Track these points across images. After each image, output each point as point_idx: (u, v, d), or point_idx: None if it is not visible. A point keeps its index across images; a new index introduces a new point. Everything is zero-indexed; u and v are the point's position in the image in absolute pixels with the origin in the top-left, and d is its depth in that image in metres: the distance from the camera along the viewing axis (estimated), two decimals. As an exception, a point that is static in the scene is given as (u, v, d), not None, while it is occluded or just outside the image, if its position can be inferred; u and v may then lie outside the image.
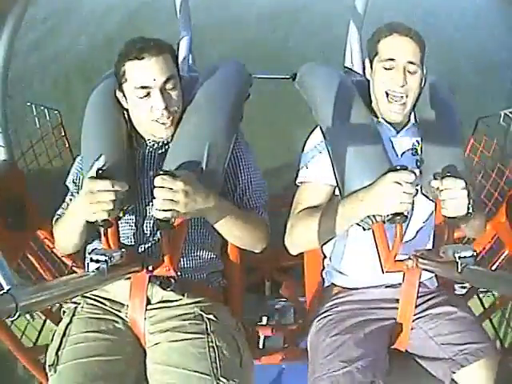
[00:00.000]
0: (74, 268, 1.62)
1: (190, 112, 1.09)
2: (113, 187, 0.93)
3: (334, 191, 1.16)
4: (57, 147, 1.79)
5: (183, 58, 1.74)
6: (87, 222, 0.99)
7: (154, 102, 1.03)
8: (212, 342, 1.03)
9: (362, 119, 1.12)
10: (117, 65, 1.05)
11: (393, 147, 1.15)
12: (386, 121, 1.16)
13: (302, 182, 1.17)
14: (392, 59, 1.08)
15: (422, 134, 1.16)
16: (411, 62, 1.08)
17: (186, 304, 1.11)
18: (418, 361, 1.14)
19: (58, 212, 1.18)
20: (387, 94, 1.11)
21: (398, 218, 0.98)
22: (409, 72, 1.08)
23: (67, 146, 1.85)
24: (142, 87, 1.02)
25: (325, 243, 1.15)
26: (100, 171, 0.98)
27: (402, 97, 1.10)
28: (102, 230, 1.01)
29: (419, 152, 1.15)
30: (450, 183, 1.01)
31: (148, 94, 1.02)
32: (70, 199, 1.17)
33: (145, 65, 1.01)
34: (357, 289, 1.22)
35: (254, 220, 1.12)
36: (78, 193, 1.14)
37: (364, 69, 1.21)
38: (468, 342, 1.05)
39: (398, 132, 1.16)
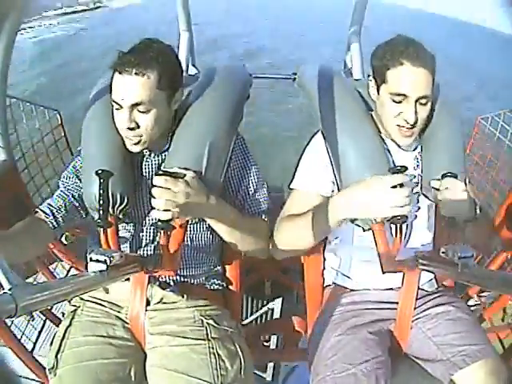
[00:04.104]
0: (73, 268, 1.63)
1: (189, 112, 1.09)
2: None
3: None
4: (57, 147, 1.79)
5: (183, 56, 1.75)
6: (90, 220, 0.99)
7: (121, 118, 1.00)
8: (213, 348, 1.03)
9: (362, 120, 1.11)
10: (111, 66, 1.02)
11: (393, 162, 1.11)
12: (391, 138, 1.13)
13: (295, 188, 1.16)
14: (403, 94, 1.01)
15: (423, 142, 1.15)
16: (424, 97, 1.01)
17: (186, 307, 1.11)
18: (417, 362, 1.13)
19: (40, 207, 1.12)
20: (396, 125, 1.06)
21: (399, 218, 0.98)
22: (420, 104, 1.02)
23: (67, 145, 1.85)
24: (114, 101, 1.00)
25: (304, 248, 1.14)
26: (100, 171, 0.98)
27: (412, 127, 1.05)
28: (101, 230, 1.01)
29: (420, 165, 1.13)
30: (450, 183, 1.01)
31: (120, 108, 0.99)
32: (58, 195, 1.12)
33: (120, 81, 0.97)
34: (359, 290, 1.21)
35: (255, 225, 1.11)
36: (67, 190, 1.12)
37: (368, 86, 1.13)
38: (466, 343, 1.05)
39: (399, 146, 1.13)
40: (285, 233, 1.11)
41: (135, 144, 1.03)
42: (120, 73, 0.97)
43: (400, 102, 1.03)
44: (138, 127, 1.00)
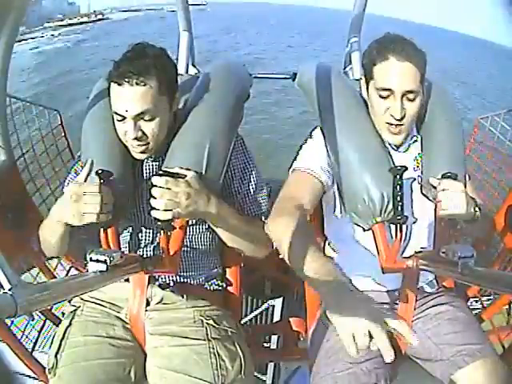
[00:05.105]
0: (73, 268, 1.63)
1: (189, 113, 1.08)
2: (100, 191, 0.92)
3: (324, 191, 1.12)
4: (57, 147, 1.79)
5: (183, 56, 1.75)
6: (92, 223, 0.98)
7: (126, 129, 1.00)
8: (213, 348, 1.03)
9: (362, 118, 1.11)
10: (108, 78, 1.01)
11: (393, 162, 1.11)
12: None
13: (294, 170, 1.13)
14: (389, 89, 1.01)
15: (423, 142, 1.15)
16: (410, 91, 1.00)
17: (186, 308, 1.11)
18: (416, 361, 1.13)
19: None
20: (384, 122, 1.06)
21: (399, 218, 0.98)
22: (408, 99, 1.01)
23: (67, 145, 1.85)
24: (117, 113, 0.99)
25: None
26: (100, 171, 0.98)
27: (400, 124, 1.04)
28: (101, 230, 1.01)
29: (420, 166, 1.14)
30: (448, 184, 1.01)
31: (124, 119, 0.99)
32: None
33: (121, 92, 0.96)
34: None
35: (255, 226, 1.09)
36: None
37: (360, 86, 1.14)
38: (466, 342, 1.05)
39: (398, 147, 1.13)
40: (276, 234, 0.99)
41: (142, 152, 1.04)
42: (120, 84, 0.96)
43: (387, 98, 1.02)
44: (145, 136, 1.00)
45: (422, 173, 1.13)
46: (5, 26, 1.16)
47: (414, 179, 1.13)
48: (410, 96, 1.01)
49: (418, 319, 1.14)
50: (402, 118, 1.03)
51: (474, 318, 1.16)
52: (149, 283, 1.09)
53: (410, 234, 1.14)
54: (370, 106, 1.10)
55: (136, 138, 1.00)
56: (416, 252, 1.05)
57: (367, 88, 1.09)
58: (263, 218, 1.13)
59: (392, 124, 1.05)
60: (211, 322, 1.09)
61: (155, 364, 1.03)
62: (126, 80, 0.95)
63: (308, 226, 0.99)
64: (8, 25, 1.17)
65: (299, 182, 1.09)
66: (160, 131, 1.02)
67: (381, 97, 1.03)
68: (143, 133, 1.00)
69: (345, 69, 1.86)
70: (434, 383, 1.07)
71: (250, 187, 1.13)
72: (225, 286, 1.26)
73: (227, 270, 1.28)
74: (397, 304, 1.14)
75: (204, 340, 1.04)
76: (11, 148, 1.41)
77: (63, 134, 1.85)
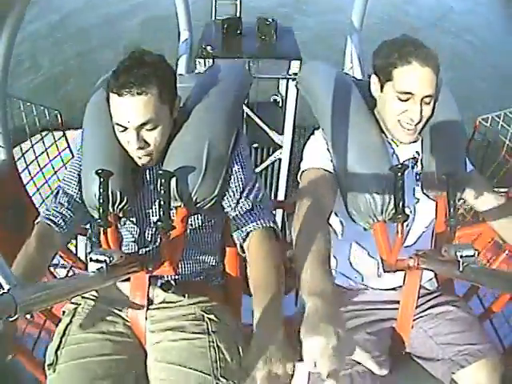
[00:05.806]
0: (73, 268, 1.63)
1: (189, 113, 1.08)
2: None
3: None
4: (57, 147, 1.80)
5: (183, 57, 1.75)
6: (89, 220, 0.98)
7: (129, 139, 1.00)
8: (213, 342, 1.03)
9: (362, 118, 1.11)
10: (106, 88, 1.00)
11: (395, 155, 1.13)
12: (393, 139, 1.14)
13: (304, 171, 1.13)
14: (410, 93, 1.04)
15: (423, 140, 1.15)
16: (428, 95, 1.04)
17: (188, 304, 1.11)
18: (417, 361, 1.13)
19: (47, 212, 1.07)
20: (399, 122, 1.08)
21: (400, 216, 0.98)
22: (425, 103, 1.05)
23: (67, 145, 1.85)
24: (118, 124, 0.99)
25: None
26: (100, 171, 0.98)
27: (415, 125, 1.07)
28: (101, 230, 1.01)
29: (418, 164, 1.14)
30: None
31: (125, 129, 0.99)
32: (60, 203, 1.08)
33: (123, 103, 0.96)
34: (359, 290, 1.21)
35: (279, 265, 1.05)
36: (74, 202, 1.09)
37: (369, 84, 1.14)
38: (468, 342, 1.05)
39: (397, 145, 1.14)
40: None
41: (145, 159, 1.04)
42: (120, 95, 0.95)
43: (406, 101, 1.04)
44: (148, 144, 1.01)
45: (421, 171, 1.13)
46: (5, 25, 1.16)
47: (418, 179, 1.13)
48: (427, 100, 1.04)
49: (420, 318, 1.14)
50: (419, 123, 1.06)
51: (475, 318, 1.16)
52: (150, 283, 1.09)
53: (409, 231, 1.14)
54: (383, 105, 1.11)
55: (139, 148, 1.00)
56: (417, 251, 1.05)
57: (381, 87, 1.09)
58: (270, 217, 1.06)
59: (408, 124, 1.07)
60: (212, 316, 1.08)
61: (155, 359, 1.03)
62: (127, 90, 0.94)
63: (325, 234, 0.95)
64: (8, 24, 1.17)
65: (313, 181, 1.09)
66: (162, 139, 1.02)
67: (400, 99, 1.05)
68: (146, 142, 1.00)
69: (344, 69, 1.86)
70: (428, 380, 1.07)
71: (250, 186, 1.09)
72: (226, 284, 1.26)
73: (228, 268, 1.28)
74: (397, 303, 1.14)
75: (204, 334, 1.04)
76: (11, 147, 1.41)
77: (63, 134, 1.85)
